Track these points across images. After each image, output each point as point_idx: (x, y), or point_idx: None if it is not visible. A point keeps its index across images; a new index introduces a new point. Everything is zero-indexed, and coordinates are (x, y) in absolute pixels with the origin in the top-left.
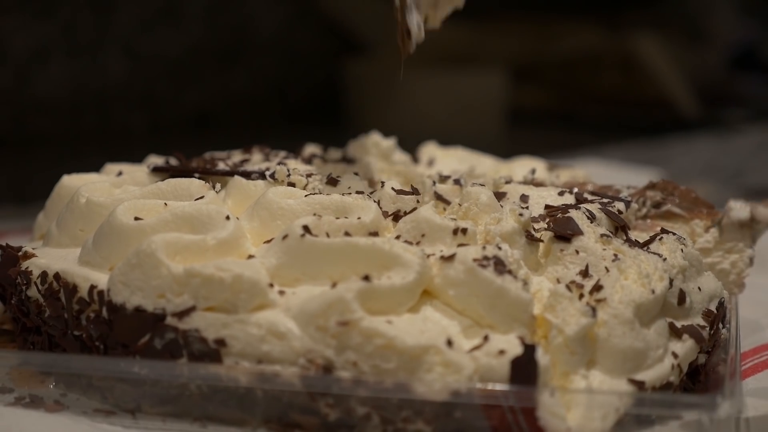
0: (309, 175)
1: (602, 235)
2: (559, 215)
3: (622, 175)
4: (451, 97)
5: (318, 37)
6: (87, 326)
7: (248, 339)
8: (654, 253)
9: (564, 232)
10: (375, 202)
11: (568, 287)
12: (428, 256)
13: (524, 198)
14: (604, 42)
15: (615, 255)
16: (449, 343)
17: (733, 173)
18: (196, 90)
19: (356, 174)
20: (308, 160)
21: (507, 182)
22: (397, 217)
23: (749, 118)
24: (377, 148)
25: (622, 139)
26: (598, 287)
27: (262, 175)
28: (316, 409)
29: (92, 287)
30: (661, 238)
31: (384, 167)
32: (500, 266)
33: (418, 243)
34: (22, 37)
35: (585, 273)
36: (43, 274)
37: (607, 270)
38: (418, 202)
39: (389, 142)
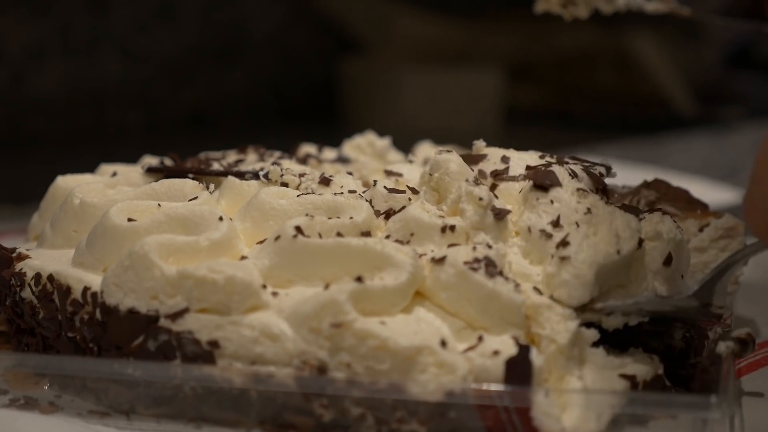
0: (302, 175)
1: (579, 189)
2: (542, 168)
3: (617, 174)
4: (447, 96)
5: (314, 37)
6: (81, 328)
7: (241, 341)
8: (630, 212)
9: (543, 182)
10: (367, 201)
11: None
12: (420, 255)
13: (505, 159)
14: (600, 40)
15: (588, 209)
16: (443, 343)
17: (728, 171)
18: (192, 89)
19: (350, 173)
20: (303, 160)
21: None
22: (389, 215)
23: (745, 116)
24: (372, 148)
25: (617, 137)
26: (564, 243)
27: (255, 176)
28: (310, 409)
29: (86, 289)
30: (664, 213)
31: (379, 167)
32: (491, 267)
33: (408, 242)
34: (17, 36)
35: (556, 223)
36: (37, 276)
37: (578, 225)
38: (410, 200)
39: (384, 142)
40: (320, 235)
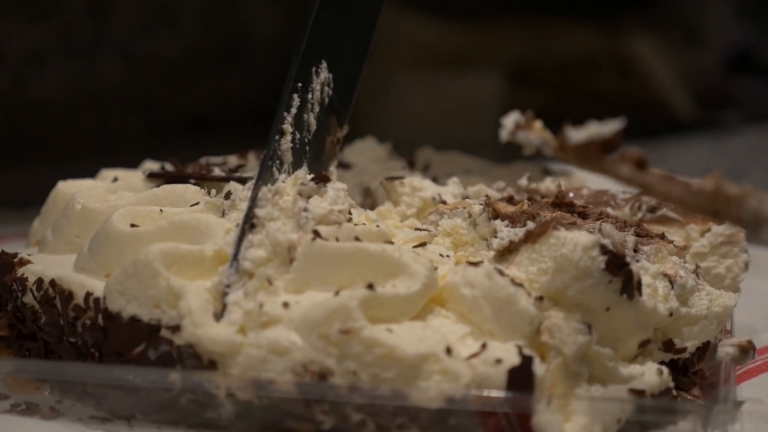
0: None
1: None
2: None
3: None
4: (448, 101)
5: None
6: (82, 333)
7: (248, 362)
8: None
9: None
10: None
11: None
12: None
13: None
14: (600, 44)
15: None
16: (448, 351)
17: (729, 175)
18: (193, 93)
19: None
20: None
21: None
22: None
23: (745, 120)
24: (373, 153)
25: None
26: None
27: None
28: (311, 416)
29: (88, 294)
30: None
31: (379, 172)
32: (516, 282)
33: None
34: (18, 40)
35: None
36: (39, 281)
37: None
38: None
39: (385, 147)
40: (338, 239)
